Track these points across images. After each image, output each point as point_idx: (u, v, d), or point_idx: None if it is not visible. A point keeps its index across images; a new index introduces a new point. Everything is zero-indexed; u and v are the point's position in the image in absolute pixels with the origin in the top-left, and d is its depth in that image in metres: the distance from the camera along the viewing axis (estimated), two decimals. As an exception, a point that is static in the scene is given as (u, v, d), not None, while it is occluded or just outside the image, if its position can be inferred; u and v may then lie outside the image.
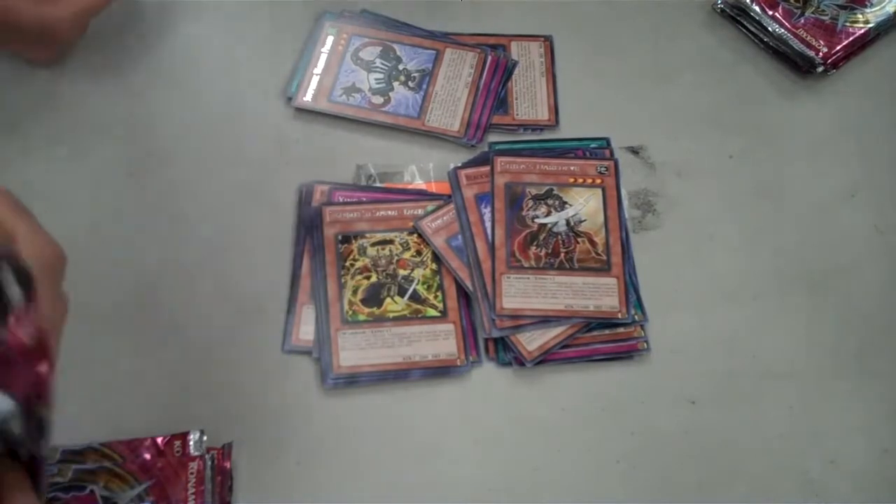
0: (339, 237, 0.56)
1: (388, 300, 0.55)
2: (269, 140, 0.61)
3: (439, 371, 0.53)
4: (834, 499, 0.51)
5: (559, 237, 0.56)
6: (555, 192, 0.58)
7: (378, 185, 0.59)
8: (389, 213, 0.57)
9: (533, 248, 0.56)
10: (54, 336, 0.36)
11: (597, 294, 0.54)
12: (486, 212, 0.57)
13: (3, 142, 0.61)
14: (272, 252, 0.57)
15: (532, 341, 0.53)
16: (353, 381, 0.52)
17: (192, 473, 0.48)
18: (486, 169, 0.59)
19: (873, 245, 0.60)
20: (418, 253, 0.56)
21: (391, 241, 0.57)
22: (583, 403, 0.53)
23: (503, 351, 0.54)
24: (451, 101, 0.62)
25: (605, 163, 0.59)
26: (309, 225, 0.57)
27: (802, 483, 0.52)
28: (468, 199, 0.58)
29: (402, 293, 0.55)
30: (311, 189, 0.58)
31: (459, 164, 0.60)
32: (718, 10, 0.69)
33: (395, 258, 0.56)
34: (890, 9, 0.66)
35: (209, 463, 0.49)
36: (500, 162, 0.59)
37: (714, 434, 0.53)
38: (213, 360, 0.54)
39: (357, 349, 0.53)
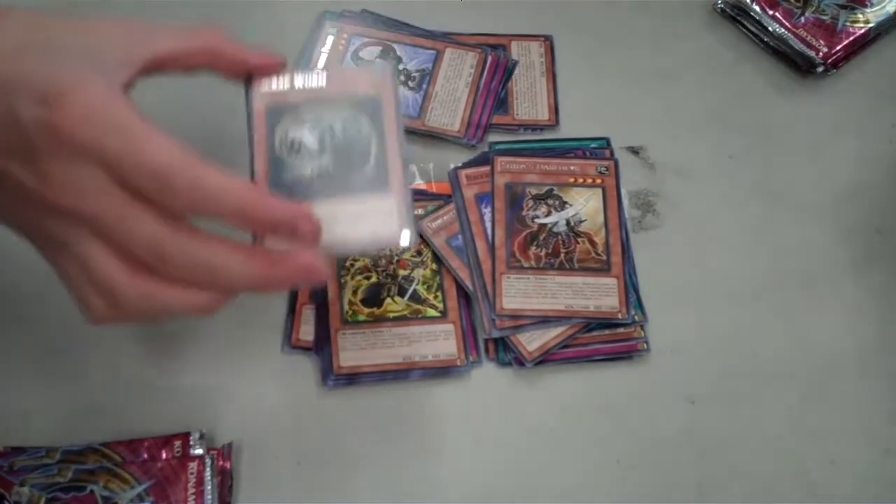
0: (339, 237, 0.56)
1: (388, 300, 0.55)
2: (269, 140, 0.61)
3: (439, 371, 0.53)
4: (834, 499, 0.51)
5: (559, 237, 0.56)
6: (555, 192, 0.58)
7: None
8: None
9: (533, 249, 0.56)
10: None
11: (597, 294, 0.54)
12: (487, 212, 0.57)
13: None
14: (272, 252, 0.57)
15: (532, 341, 0.53)
16: (353, 381, 0.52)
17: (192, 473, 0.48)
18: (487, 169, 0.59)
19: (873, 245, 0.60)
20: (418, 253, 0.56)
21: None
22: (583, 403, 0.53)
23: (503, 351, 0.54)
24: (451, 101, 0.62)
25: (606, 163, 0.59)
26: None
27: (802, 483, 0.52)
28: (468, 198, 0.58)
29: (402, 293, 0.55)
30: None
31: (460, 164, 0.60)
32: (718, 10, 0.69)
33: (396, 258, 0.56)
34: (890, 8, 0.66)
35: (209, 463, 0.49)
36: (501, 162, 0.59)
37: (714, 434, 0.53)
38: (213, 360, 0.53)
39: (357, 349, 0.53)
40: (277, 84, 0.46)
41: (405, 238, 0.43)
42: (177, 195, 0.33)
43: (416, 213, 0.57)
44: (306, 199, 0.43)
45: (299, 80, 0.46)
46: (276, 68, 0.43)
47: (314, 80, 0.46)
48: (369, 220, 0.44)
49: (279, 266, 0.36)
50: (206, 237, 0.35)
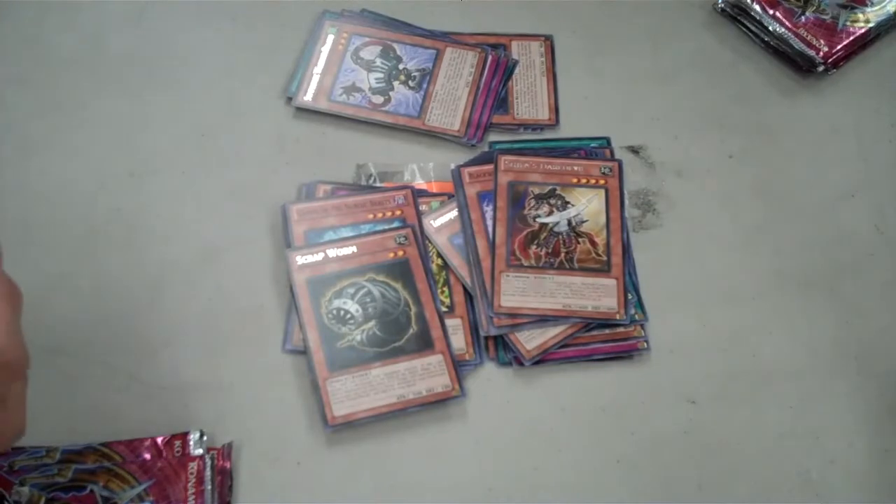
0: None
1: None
2: (269, 140, 0.61)
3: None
4: (834, 499, 0.51)
5: (560, 237, 0.56)
6: (558, 191, 0.58)
7: (378, 184, 0.59)
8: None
9: (533, 248, 0.56)
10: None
11: (595, 294, 0.54)
12: (488, 210, 0.57)
13: (1, 141, 0.61)
14: (273, 251, 0.57)
15: (531, 340, 0.53)
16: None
17: (192, 473, 0.48)
18: (490, 167, 0.58)
19: (873, 245, 0.60)
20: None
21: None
22: (583, 403, 0.53)
23: (503, 351, 0.54)
24: (451, 101, 0.62)
25: (609, 163, 0.59)
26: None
27: (802, 483, 0.52)
28: (470, 196, 0.58)
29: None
30: (313, 188, 0.58)
31: (462, 163, 0.60)
32: (719, 10, 0.69)
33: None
34: (890, 8, 0.66)
35: (209, 463, 0.49)
36: (504, 160, 0.59)
37: (714, 434, 0.53)
38: (213, 360, 0.53)
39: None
40: (313, 256, 0.53)
41: (458, 390, 0.51)
42: None
43: (420, 209, 0.58)
44: (363, 364, 0.51)
45: (332, 251, 0.52)
46: None
47: (345, 248, 0.53)
48: (423, 377, 0.51)
49: None
50: None
